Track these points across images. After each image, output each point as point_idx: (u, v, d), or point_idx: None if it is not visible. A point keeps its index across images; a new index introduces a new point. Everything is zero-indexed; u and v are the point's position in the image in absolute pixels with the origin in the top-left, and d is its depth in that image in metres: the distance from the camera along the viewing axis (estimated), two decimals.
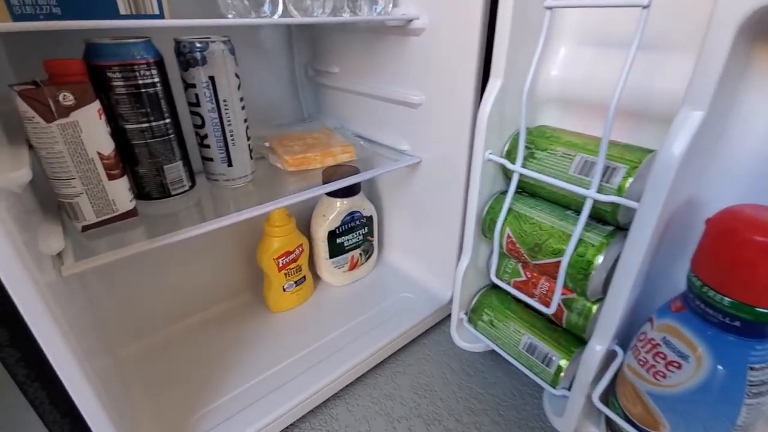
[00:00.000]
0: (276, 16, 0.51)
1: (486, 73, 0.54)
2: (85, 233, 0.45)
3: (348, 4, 0.55)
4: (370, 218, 0.73)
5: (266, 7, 0.51)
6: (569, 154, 0.41)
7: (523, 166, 0.44)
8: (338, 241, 0.71)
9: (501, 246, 0.48)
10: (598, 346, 0.40)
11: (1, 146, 0.39)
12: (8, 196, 0.34)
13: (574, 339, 0.47)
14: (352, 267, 0.75)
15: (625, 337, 0.42)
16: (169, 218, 0.51)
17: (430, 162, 0.66)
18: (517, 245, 0.45)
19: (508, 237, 0.46)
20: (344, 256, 0.73)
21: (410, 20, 0.57)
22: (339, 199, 0.68)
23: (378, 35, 0.64)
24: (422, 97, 0.62)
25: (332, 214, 0.68)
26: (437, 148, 0.63)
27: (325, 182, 0.64)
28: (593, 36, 0.43)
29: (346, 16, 0.54)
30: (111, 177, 0.44)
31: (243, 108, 0.54)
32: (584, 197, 0.39)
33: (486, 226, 0.50)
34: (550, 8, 0.37)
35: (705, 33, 0.29)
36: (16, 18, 0.37)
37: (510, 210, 0.46)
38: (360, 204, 0.71)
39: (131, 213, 0.47)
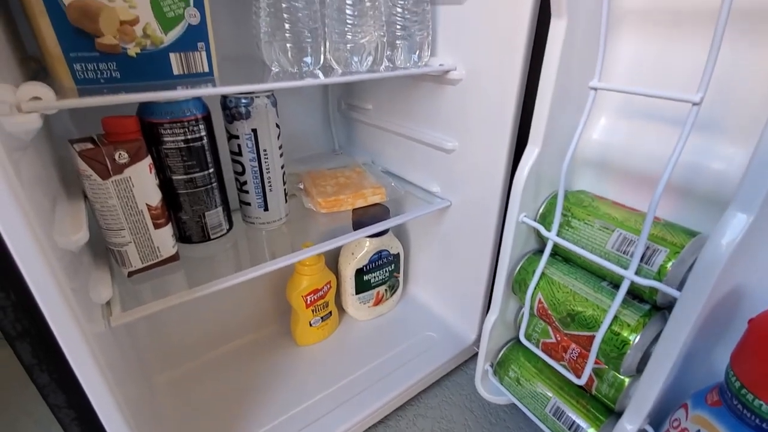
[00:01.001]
0: (318, 68, 0.53)
1: (522, 126, 0.54)
2: (131, 278, 0.47)
3: (386, 54, 0.56)
4: (397, 255, 0.74)
5: (308, 59, 0.53)
6: (607, 228, 0.40)
7: (559, 233, 0.44)
8: (365, 278, 0.72)
9: (531, 309, 0.48)
10: (629, 426, 0.40)
11: (60, 200, 0.42)
12: (65, 254, 0.36)
13: (603, 407, 0.47)
14: (377, 302, 0.76)
15: (657, 416, 0.41)
16: (208, 261, 0.53)
17: (460, 206, 0.66)
18: (549, 312, 0.45)
19: (540, 302, 0.46)
20: (370, 292, 0.74)
21: (447, 71, 0.57)
22: (368, 239, 0.69)
23: (414, 80, 0.65)
24: (455, 143, 0.62)
25: (361, 252, 0.69)
26: (468, 194, 0.63)
27: (355, 222, 0.65)
28: (636, 110, 0.42)
29: (383, 69, 0.55)
30: (157, 226, 0.47)
31: (281, 155, 0.56)
32: (622, 277, 0.38)
33: (516, 286, 0.50)
34: (595, 89, 0.37)
35: (760, 136, 0.28)
36: (78, 82, 0.40)
37: (543, 275, 0.46)
38: (388, 243, 0.71)
39: (173, 258, 0.50)
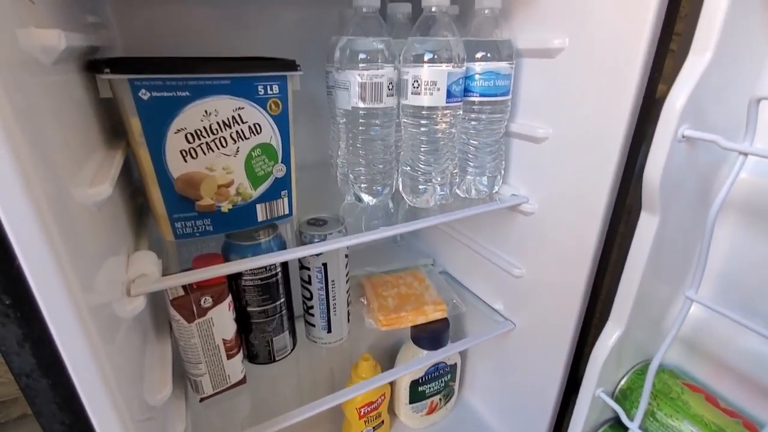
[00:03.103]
0: (388, 198, 0.55)
1: (603, 261, 0.50)
2: (202, 403, 0.50)
3: (456, 183, 0.57)
4: (454, 366, 0.72)
5: (380, 188, 0.55)
6: None
7: (642, 425, 0.40)
8: (420, 389, 0.70)
9: None
10: None
11: (149, 341, 0.45)
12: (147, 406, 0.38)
13: None
14: (431, 411, 0.74)
15: None
16: (272, 383, 0.55)
17: (525, 330, 0.63)
18: None
19: None
20: (424, 402, 0.72)
21: (519, 204, 0.56)
22: (426, 351, 0.68)
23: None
24: (523, 271, 0.60)
25: (417, 365, 0.68)
26: (535, 321, 0.61)
27: (413, 336, 0.66)
28: (738, 303, 0.38)
29: (452, 201, 0.56)
30: (229, 357, 0.49)
31: (347, 281, 0.57)
32: None
33: None
34: (691, 300, 0.34)
35: None
36: (178, 237, 0.44)
37: None
38: (446, 355, 0.70)
39: (241, 382, 0.52)
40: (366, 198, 0.54)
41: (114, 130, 0.45)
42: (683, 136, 0.30)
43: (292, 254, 0.44)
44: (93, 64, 0.38)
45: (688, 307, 0.34)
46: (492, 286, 0.67)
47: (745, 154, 0.28)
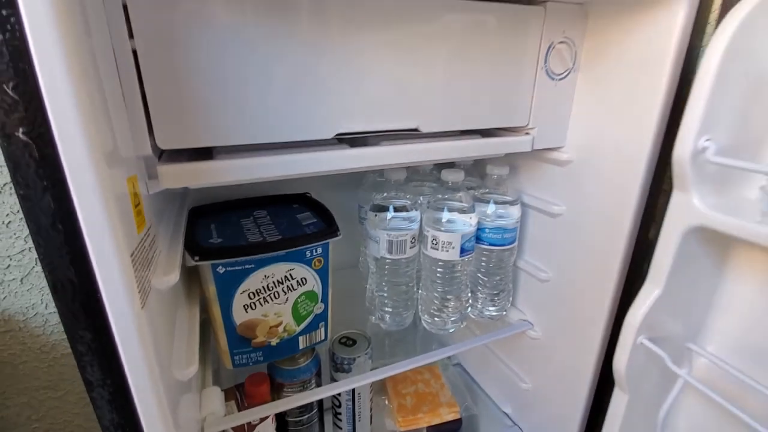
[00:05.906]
0: (409, 322, 0.63)
1: (599, 395, 0.57)
2: None
3: (468, 306, 0.65)
4: None
5: (401, 313, 0.63)
6: None
7: None
8: None
9: None
10: None
11: None
12: None
13: None
14: None
15: None
16: None
17: None
18: None
19: None
20: None
21: (524, 330, 0.64)
22: None
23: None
24: (530, 385, 0.67)
25: None
26: (540, 427, 0.67)
27: None
28: None
29: (467, 328, 0.63)
30: None
31: (371, 391, 0.65)
32: None
33: None
34: None
35: None
36: (235, 365, 0.53)
37: None
38: None
39: None
40: (389, 321, 0.63)
41: (189, 277, 0.56)
42: (641, 343, 0.38)
43: (328, 392, 0.53)
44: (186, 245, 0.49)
45: None
46: (502, 390, 0.74)
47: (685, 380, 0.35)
